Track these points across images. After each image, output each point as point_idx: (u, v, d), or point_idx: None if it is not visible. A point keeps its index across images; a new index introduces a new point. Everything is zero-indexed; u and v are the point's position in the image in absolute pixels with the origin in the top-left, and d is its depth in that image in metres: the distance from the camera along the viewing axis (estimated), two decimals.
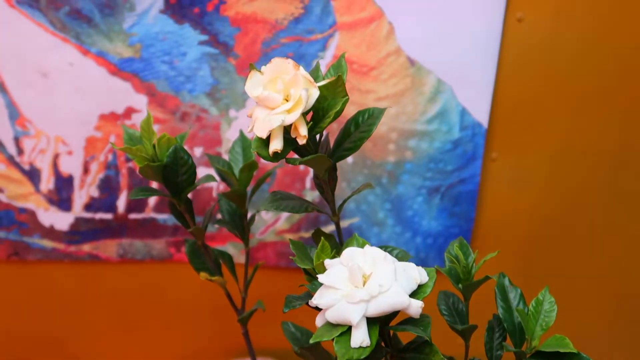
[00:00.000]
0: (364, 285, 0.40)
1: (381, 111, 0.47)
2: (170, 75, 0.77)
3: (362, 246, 0.44)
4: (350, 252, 0.41)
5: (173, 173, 0.53)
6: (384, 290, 0.39)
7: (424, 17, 0.75)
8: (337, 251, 0.49)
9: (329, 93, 0.44)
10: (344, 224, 0.87)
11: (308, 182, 0.83)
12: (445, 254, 0.51)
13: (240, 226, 0.60)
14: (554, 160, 0.82)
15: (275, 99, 0.44)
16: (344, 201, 0.51)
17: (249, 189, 0.60)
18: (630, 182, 0.84)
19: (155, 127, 0.80)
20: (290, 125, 0.44)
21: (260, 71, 0.46)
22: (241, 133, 0.62)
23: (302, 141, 0.43)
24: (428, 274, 0.42)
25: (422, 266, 0.87)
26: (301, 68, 0.44)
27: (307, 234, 0.86)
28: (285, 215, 0.85)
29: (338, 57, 0.76)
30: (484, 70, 0.77)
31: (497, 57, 0.77)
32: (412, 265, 0.41)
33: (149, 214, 0.84)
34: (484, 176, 0.84)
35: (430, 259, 0.88)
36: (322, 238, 0.47)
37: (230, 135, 0.80)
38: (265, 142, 0.44)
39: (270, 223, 0.85)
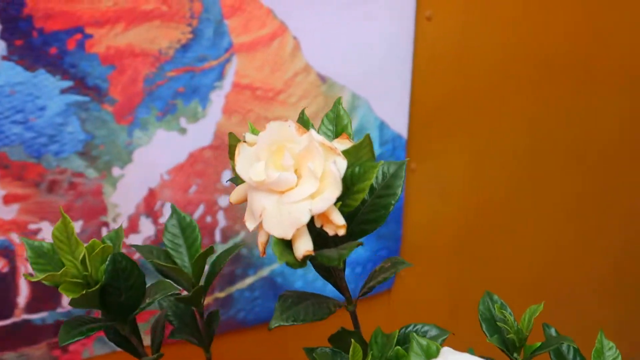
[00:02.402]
0: None
1: (400, 165, 0.36)
2: (27, 137, 0.59)
3: (433, 355, 0.33)
4: None
5: (115, 293, 0.38)
6: None
7: (332, 28, 0.65)
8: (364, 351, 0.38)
9: (350, 158, 0.33)
10: (263, 272, 0.74)
11: (217, 235, 0.70)
12: (482, 323, 0.42)
13: (197, 330, 0.46)
14: (472, 163, 0.77)
15: (288, 181, 0.31)
16: (364, 290, 0.40)
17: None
18: (545, 179, 0.82)
19: (15, 207, 0.61)
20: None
21: (247, 141, 0.33)
22: (174, 208, 0.48)
23: (342, 232, 0.31)
24: None
25: (354, 295, 0.79)
26: (312, 132, 0.32)
27: (221, 294, 0.73)
28: None
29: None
30: (400, 78, 0.70)
31: (411, 62, 0.69)
32: None
33: (20, 316, 0.65)
34: (405, 189, 0.76)
35: (359, 289, 0.79)
36: (353, 341, 0.36)
37: (117, 200, 0.64)
38: (287, 242, 0.31)
39: None
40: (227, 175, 0.67)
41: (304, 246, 0.31)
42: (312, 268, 0.75)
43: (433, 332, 0.40)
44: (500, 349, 0.40)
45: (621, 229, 0.89)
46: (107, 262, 0.37)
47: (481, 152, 0.77)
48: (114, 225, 0.65)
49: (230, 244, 0.71)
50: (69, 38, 0.57)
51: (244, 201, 0.34)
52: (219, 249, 0.71)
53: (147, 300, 0.39)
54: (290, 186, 0.31)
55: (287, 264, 0.31)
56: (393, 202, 0.36)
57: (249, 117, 0.66)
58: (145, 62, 0.60)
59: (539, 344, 0.40)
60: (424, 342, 0.34)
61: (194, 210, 0.67)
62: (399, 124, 0.72)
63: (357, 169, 0.33)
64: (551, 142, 0.80)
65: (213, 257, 0.47)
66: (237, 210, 0.69)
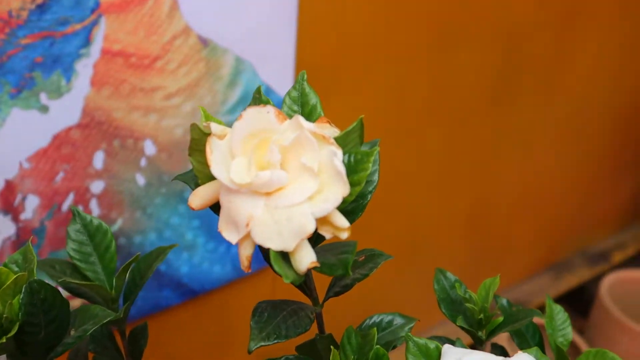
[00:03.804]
0: None
1: (374, 149, 0.32)
2: None
3: (433, 355, 0.30)
4: None
5: (32, 331, 0.30)
6: None
7: None
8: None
9: (340, 145, 0.28)
10: None
11: None
12: (440, 304, 0.40)
13: (118, 352, 0.38)
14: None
15: (280, 180, 0.26)
16: (335, 289, 0.35)
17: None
18: (414, 135, 0.82)
19: None
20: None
21: (215, 134, 0.27)
22: (76, 211, 0.39)
23: (345, 235, 0.27)
24: None
25: (241, 274, 0.74)
26: (299, 118, 0.27)
27: None
28: None
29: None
30: (284, 38, 0.64)
31: (295, 20, 0.64)
32: (525, 357, 0.30)
33: None
34: None
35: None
36: (333, 348, 0.32)
37: None
38: (284, 254, 0.26)
39: None
40: (99, 157, 0.58)
41: (308, 257, 0.26)
42: (198, 250, 0.69)
43: (398, 320, 0.37)
44: (466, 329, 0.39)
45: (473, 183, 0.94)
46: (21, 295, 0.29)
47: (364, 110, 0.75)
48: None
49: None
50: None
51: (209, 205, 0.28)
52: None
53: (73, 333, 0.31)
54: (280, 186, 0.26)
55: (292, 280, 0.26)
56: (371, 189, 0.32)
57: (122, 88, 0.57)
58: None
59: (500, 319, 0.39)
60: (421, 341, 0.31)
61: (62, 201, 0.57)
62: (285, 87, 0.67)
63: (350, 159, 0.28)
64: (423, 99, 0.80)
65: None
66: (112, 196, 0.60)
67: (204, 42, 0.60)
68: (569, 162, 1.06)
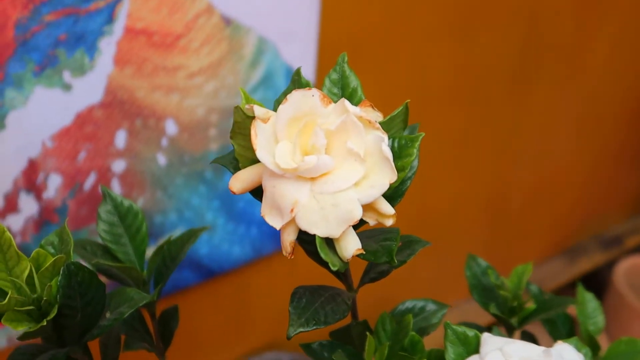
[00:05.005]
0: None
1: (414, 134, 0.31)
2: None
3: (471, 343, 0.30)
4: None
5: (69, 314, 0.30)
6: None
7: None
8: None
9: (384, 129, 0.28)
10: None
11: None
12: (472, 291, 0.40)
13: (148, 334, 0.38)
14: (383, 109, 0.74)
15: (327, 165, 0.25)
16: (371, 275, 0.35)
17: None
18: (437, 118, 0.81)
19: None
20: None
21: (259, 117, 0.26)
22: (106, 192, 0.39)
23: (390, 222, 0.26)
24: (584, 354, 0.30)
25: (259, 255, 0.74)
26: (345, 102, 0.26)
27: None
28: None
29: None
30: (307, 17, 0.63)
31: None
32: (567, 348, 0.29)
33: None
34: None
35: (265, 247, 0.74)
36: (368, 334, 0.31)
37: None
38: (328, 240, 0.26)
39: None
40: (120, 136, 0.58)
41: (353, 244, 0.25)
42: (218, 231, 0.69)
43: (431, 306, 0.37)
44: (498, 316, 0.38)
45: (491, 167, 0.93)
46: (59, 277, 0.29)
47: (385, 91, 0.74)
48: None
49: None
50: None
51: (251, 190, 0.28)
52: None
53: (109, 316, 0.31)
54: (326, 171, 0.25)
55: (338, 269, 0.25)
56: (411, 175, 0.31)
57: (144, 67, 0.56)
58: (16, 4, 0.48)
59: (533, 307, 0.38)
60: (460, 329, 0.31)
61: (84, 180, 0.57)
62: (307, 69, 0.66)
63: (394, 144, 0.27)
64: (444, 81, 0.79)
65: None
66: (134, 176, 0.60)
67: (227, 21, 0.59)
68: (585, 146, 1.05)
